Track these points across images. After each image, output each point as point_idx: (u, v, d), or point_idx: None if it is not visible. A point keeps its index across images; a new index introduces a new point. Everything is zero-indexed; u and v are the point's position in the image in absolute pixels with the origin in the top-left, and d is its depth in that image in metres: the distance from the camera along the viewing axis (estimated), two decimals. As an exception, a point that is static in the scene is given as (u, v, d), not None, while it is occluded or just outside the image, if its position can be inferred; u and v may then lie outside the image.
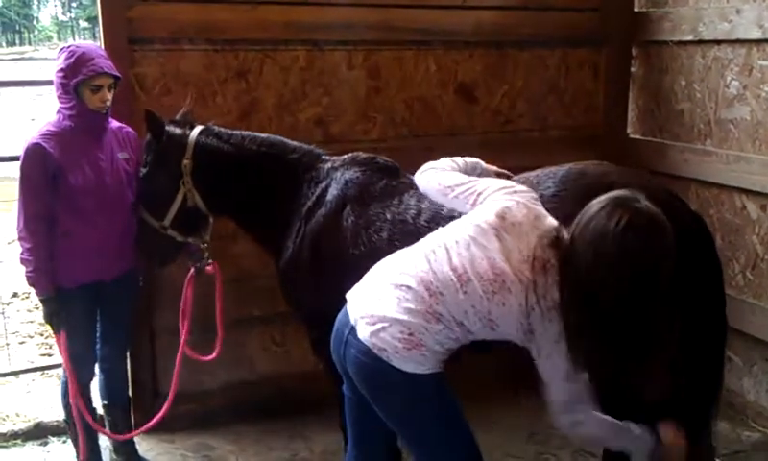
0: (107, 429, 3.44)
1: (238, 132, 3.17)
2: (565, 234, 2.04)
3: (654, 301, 1.94)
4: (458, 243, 2.13)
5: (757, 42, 3.81)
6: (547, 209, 2.33)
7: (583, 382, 2.06)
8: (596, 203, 1.98)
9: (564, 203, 2.53)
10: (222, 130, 3.15)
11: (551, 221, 2.14)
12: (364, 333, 2.12)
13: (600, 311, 1.93)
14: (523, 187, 2.28)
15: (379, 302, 2.14)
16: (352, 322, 2.18)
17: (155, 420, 3.35)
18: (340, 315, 2.28)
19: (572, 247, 1.98)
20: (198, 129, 3.10)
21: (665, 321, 1.98)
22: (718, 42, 4.04)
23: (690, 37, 4.17)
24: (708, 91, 4.15)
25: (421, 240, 2.28)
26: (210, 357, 3.43)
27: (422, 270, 2.13)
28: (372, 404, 2.22)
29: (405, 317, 2.08)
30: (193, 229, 3.21)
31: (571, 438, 2.18)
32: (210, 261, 3.29)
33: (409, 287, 2.12)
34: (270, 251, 3.19)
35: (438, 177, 2.42)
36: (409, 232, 2.69)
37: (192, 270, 3.35)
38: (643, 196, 1.97)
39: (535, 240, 2.05)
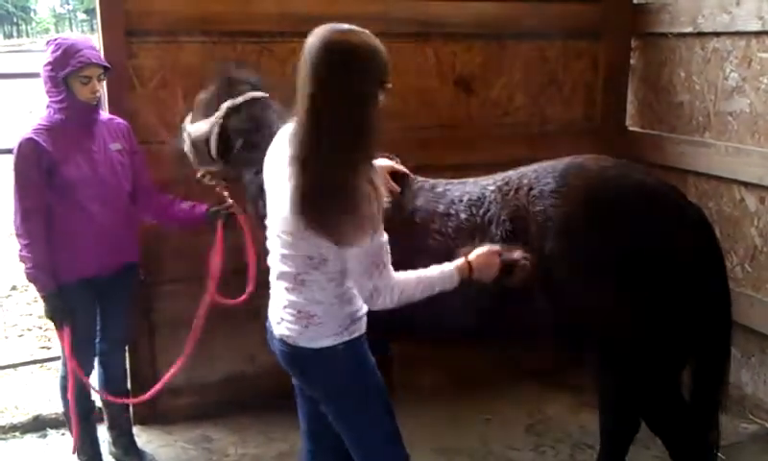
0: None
1: None
2: None
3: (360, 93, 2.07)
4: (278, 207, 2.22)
5: (757, 34, 3.79)
6: (548, 205, 2.33)
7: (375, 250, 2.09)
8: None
9: (564, 198, 2.54)
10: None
11: None
12: (275, 329, 2.34)
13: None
14: None
15: (272, 301, 2.36)
16: (268, 325, 2.40)
17: (156, 388, 3.34)
18: None
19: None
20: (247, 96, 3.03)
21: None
22: (717, 34, 4.02)
23: (690, 29, 4.16)
24: (707, 83, 4.14)
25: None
26: (240, 300, 3.35)
27: (276, 252, 2.27)
28: (308, 391, 2.39)
29: (286, 301, 2.25)
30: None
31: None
32: (232, 202, 3.24)
33: (277, 276, 2.29)
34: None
35: None
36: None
37: (219, 223, 3.26)
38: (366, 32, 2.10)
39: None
